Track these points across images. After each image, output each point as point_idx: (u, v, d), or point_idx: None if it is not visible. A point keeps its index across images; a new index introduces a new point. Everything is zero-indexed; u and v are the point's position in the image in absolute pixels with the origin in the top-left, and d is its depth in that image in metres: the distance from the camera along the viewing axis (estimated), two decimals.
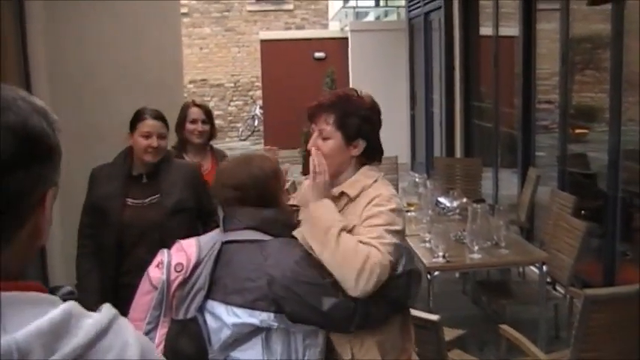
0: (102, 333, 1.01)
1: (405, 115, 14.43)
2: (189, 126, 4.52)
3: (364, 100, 2.71)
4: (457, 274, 6.88)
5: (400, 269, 2.46)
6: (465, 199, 6.33)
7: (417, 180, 7.05)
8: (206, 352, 2.39)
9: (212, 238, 2.52)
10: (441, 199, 6.39)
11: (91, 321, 1.01)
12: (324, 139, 2.64)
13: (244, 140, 20.22)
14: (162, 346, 2.43)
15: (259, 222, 2.45)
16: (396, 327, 2.62)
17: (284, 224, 2.53)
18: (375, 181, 2.64)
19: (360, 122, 2.63)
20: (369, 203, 2.54)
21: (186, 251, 2.48)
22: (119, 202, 3.68)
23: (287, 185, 2.74)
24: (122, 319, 1.07)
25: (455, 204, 6.26)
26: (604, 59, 6.51)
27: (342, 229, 2.41)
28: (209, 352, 2.41)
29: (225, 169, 2.62)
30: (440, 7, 11.31)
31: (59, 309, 0.99)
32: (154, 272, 2.49)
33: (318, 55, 16.98)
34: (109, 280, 3.67)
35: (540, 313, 5.14)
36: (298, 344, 2.40)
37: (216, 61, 21.85)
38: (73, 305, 1.02)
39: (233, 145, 18.84)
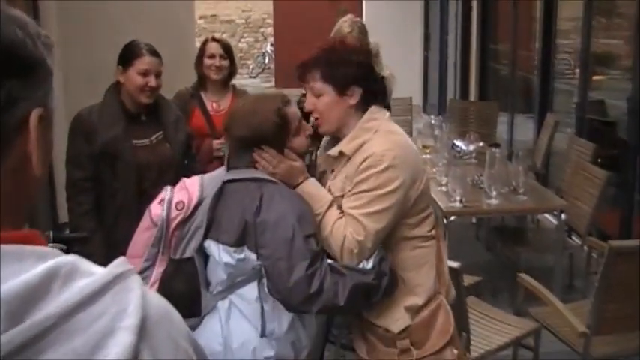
0: (94, 296, 0.81)
1: (418, 56, 14.24)
2: (206, 61, 4.39)
3: (350, 45, 2.65)
4: (474, 220, 6.80)
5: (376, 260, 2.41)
6: (481, 143, 6.21)
7: (432, 122, 6.91)
8: (199, 294, 2.40)
9: (216, 177, 2.52)
10: (457, 143, 6.26)
11: (84, 282, 0.81)
12: (317, 96, 2.56)
13: (254, 77, 20.00)
14: (157, 285, 2.42)
15: None
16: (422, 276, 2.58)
17: None
18: (376, 132, 2.51)
19: (349, 69, 2.52)
20: (361, 163, 2.45)
21: (188, 190, 2.49)
22: (130, 144, 3.45)
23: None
24: (133, 280, 0.86)
25: (471, 148, 6.14)
26: (628, 4, 6.32)
27: (330, 207, 2.44)
28: (203, 294, 2.41)
29: (238, 109, 2.60)
30: None
31: (42, 267, 0.80)
32: (156, 209, 2.49)
33: None
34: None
35: (557, 261, 5.06)
36: None
37: None
38: (68, 261, 0.83)
39: (243, 81, 18.56)
